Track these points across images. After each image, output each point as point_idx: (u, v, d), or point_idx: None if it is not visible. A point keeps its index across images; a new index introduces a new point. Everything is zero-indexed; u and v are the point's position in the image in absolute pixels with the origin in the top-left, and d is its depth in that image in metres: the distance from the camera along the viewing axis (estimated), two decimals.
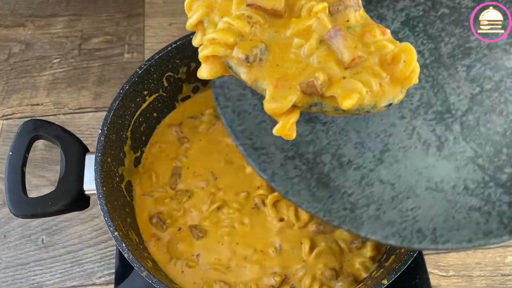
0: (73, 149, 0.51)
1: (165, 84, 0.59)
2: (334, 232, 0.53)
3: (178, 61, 0.58)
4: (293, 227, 0.53)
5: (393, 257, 0.49)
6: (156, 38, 0.77)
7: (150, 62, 0.55)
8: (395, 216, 0.43)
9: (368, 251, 0.52)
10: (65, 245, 0.61)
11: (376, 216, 0.43)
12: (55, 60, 0.76)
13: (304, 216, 0.53)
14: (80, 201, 0.50)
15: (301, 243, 0.52)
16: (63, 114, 0.71)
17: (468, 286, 0.59)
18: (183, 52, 0.57)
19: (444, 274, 0.60)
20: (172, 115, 0.61)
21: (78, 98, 0.72)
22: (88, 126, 0.70)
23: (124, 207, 0.53)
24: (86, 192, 0.50)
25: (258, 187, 0.55)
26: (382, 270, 0.48)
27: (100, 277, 0.59)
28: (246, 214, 0.54)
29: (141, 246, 0.52)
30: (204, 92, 0.62)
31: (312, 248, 0.52)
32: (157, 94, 0.58)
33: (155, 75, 0.57)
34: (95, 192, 0.48)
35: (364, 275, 0.51)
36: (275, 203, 0.54)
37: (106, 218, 0.47)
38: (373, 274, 0.50)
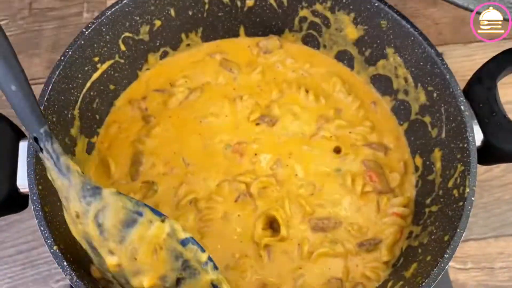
0: (3, 136, 0.43)
1: (122, 48, 0.50)
2: (337, 229, 0.44)
3: (138, 18, 0.49)
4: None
5: (415, 265, 0.40)
6: None
7: (100, 20, 0.47)
8: None
9: (383, 255, 0.44)
10: (16, 243, 0.56)
11: None
12: (1, 22, 0.68)
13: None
14: (15, 202, 0.43)
15: (298, 245, 0.44)
16: None
17: (490, 279, 0.55)
18: (143, 7, 0.48)
19: (461, 266, 0.55)
20: (134, 87, 0.52)
21: (29, 67, 0.65)
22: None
23: None
24: (21, 190, 0.42)
25: (241, 174, 0.47)
26: (401, 283, 0.39)
27: (58, 281, 0.54)
28: (228, 208, 0.46)
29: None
30: (173, 56, 0.54)
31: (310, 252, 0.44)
32: (112, 61, 0.50)
33: (108, 37, 0.48)
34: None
35: (375, 284, 0.42)
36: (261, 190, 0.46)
37: (41, 227, 0.38)
38: (388, 285, 0.41)
